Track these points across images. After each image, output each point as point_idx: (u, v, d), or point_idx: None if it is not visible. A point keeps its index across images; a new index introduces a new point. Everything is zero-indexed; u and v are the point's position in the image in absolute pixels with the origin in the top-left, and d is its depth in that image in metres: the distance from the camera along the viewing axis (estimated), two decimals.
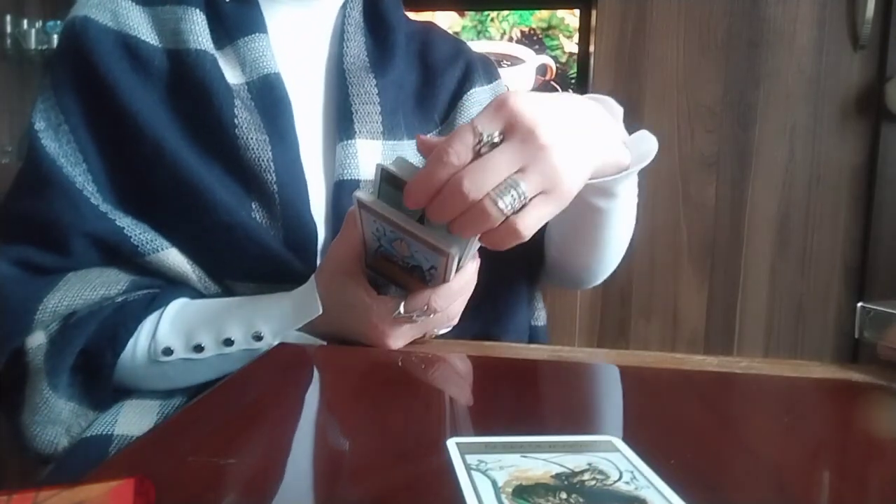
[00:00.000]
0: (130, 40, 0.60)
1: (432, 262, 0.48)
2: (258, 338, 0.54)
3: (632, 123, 0.54)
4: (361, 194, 0.46)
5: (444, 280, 0.50)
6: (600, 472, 0.29)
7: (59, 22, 2.10)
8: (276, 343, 0.54)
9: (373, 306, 0.52)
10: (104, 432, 0.54)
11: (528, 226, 0.41)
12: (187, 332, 0.55)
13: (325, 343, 0.54)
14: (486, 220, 0.40)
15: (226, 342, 0.54)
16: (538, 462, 0.29)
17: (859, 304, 0.54)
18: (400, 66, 0.70)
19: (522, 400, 0.42)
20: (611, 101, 0.53)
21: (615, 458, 0.30)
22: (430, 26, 0.79)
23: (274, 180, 0.59)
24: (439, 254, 0.46)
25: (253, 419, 0.37)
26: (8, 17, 2.08)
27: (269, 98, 0.62)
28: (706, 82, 1.86)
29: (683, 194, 1.89)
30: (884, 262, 1.79)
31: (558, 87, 2.08)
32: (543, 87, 2.09)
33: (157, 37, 0.62)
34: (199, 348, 0.55)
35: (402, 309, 0.51)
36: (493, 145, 0.40)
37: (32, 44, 2.08)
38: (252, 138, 0.59)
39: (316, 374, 0.49)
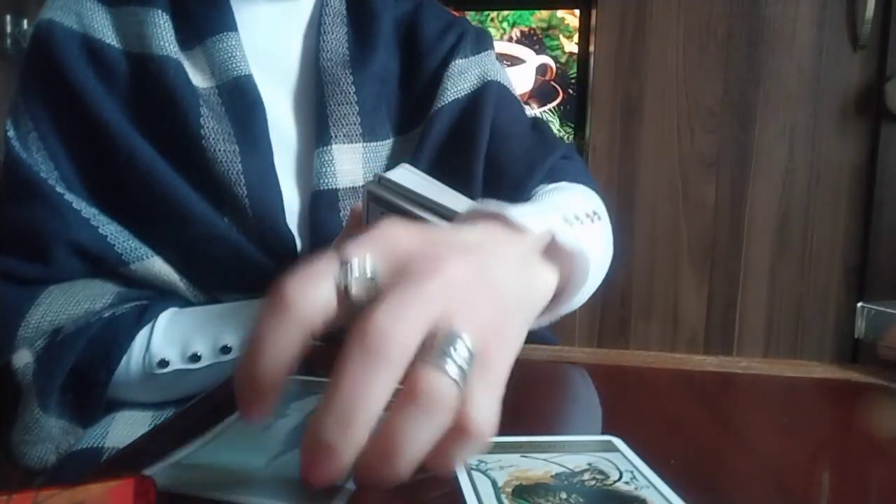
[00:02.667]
0: (95, 44, 0.58)
1: None
2: None
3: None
4: (371, 186, 0.45)
5: None
6: (600, 472, 0.29)
7: None
8: None
9: None
10: (95, 445, 0.53)
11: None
12: (182, 341, 0.54)
13: (321, 343, 0.54)
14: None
15: (223, 350, 0.53)
16: (538, 462, 0.29)
17: (859, 304, 0.54)
18: (381, 58, 0.65)
19: (522, 400, 0.42)
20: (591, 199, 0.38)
21: (615, 458, 0.30)
22: (421, 4, 0.72)
23: (245, 193, 0.56)
24: None
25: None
26: (8, 17, 2.08)
27: (241, 103, 0.58)
28: (706, 82, 1.86)
29: (683, 194, 1.89)
30: (884, 262, 1.79)
31: (558, 87, 2.08)
32: (543, 86, 2.09)
33: (120, 40, 0.59)
34: (195, 358, 0.53)
35: None
36: (369, 284, 0.26)
37: None
38: (220, 150, 0.56)
39: (320, 374, 0.49)
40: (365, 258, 0.26)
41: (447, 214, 0.43)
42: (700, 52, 1.85)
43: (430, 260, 0.27)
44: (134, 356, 0.54)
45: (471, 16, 2.11)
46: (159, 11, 0.59)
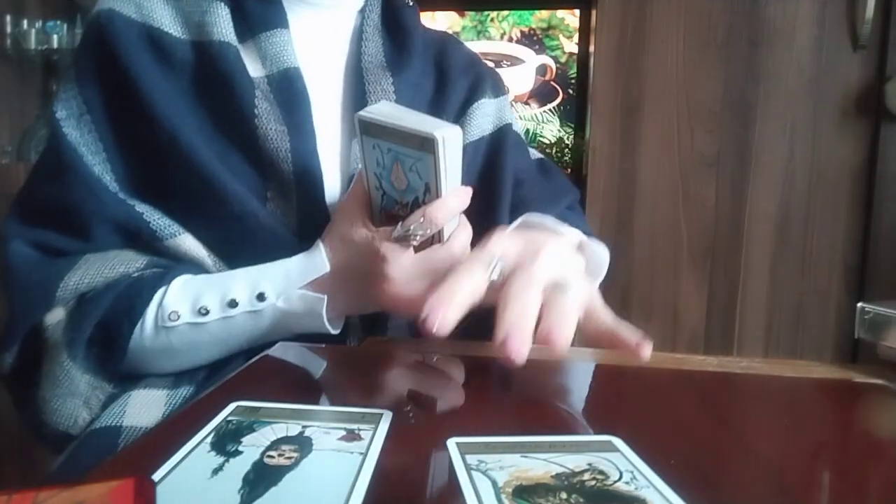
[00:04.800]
0: (154, 32, 0.62)
1: (425, 178, 0.51)
2: (261, 298, 0.55)
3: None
4: (361, 112, 0.51)
5: (438, 196, 0.52)
6: (600, 472, 0.29)
7: (58, 22, 2.10)
8: (280, 304, 0.55)
9: (374, 235, 0.54)
10: (113, 424, 0.54)
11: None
12: (194, 297, 0.57)
13: (324, 297, 0.55)
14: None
15: (230, 303, 0.56)
16: (538, 462, 0.29)
17: (859, 305, 0.54)
18: (417, 68, 0.72)
19: (522, 400, 0.42)
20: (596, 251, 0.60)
21: (615, 458, 0.30)
22: (446, 36, 0.82)
23: (291, 170, 0.60)
24: (426, 150, 0.49)
25: None
26: (8, 17, 2.08)
27: (289, 91, 0.63)
28: (706, 82, 1.86)
29: (683, 194, 1.89)
30: (884, 262, 1.79)
31: (558, 87, 2.08)
32: (543, 86, 2.09)
33: (181, 28, 0.63)
34: (204, 311, 0.56)
35: (399, 226, 0.52)
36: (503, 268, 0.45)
37: (32, 44, 2.08)
38: (271, 129, 0.60)
39: (317, 373, 0.49)
40: (499, 256, 0.45)
41: (422, 133, 0.49)
42: (700, 52, 1.85)
43: (534, 251, 0.45)
44: (149, 313, 0.57)
45: (471, 16, 2.11)
46: (221, 3, 0.64)
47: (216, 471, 0.28)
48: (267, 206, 0.61)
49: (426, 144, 0.48)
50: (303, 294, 0.55)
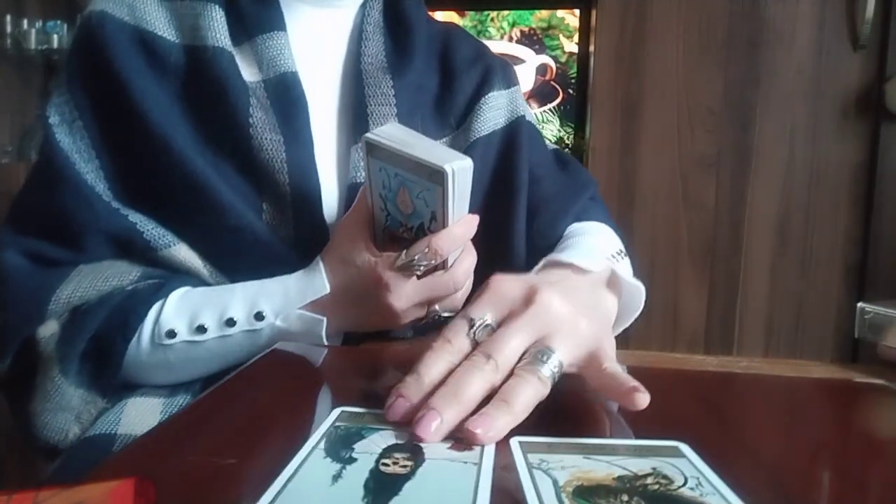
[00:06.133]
0: (147, 35, 0.60)
1: (431, 206, 0.50)
2: (260, 317, 0.54)
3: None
4: (368, 134, 0.50)
5: (444, 225, 0.51)
6: (664, 476, 0.28)
7: (59, 22, 2.10)
8: (278, 323, 0.55)
9: (377, 261, 0.53)
10: (108, 431, 0.54)
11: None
12: (191, 314, 0.56)
13: (323, 318, 0.54)
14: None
15: (228, 322, 0.55)
16: (600, 464, 0.29)
17: (859, 305, 0.54)
18: (419, 68, 0.69)
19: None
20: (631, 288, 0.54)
21: (681, 464, 0.30)
22: (452, 27, 0.78)
23: (287, 181, 0.59)
24: (435, 182, 0.48)
25: (254, 419, 0.37)
26: (8, 17, 2.08)
27: (286, 97, 0.61)
28: (706, 82, 1.86)
29: (683, 194, 1.89)
30: (884, 262, 1.79)
31: (558, 87, 2.08)
32: (543, 86, 2.09)
33: (174, 32, 0.62)
34: (201, 329, 0.55)
35: (403, 255, 0.51)
36: (489, 329, 0.37)
37: (32, 44, 2.08)
38: (266, 138, 0.59)
39: (318, 373, 0.49)
40: (485, 314, 0.38)
41: (432, 165, 0.48)
42: (700, 52, 1.85)
43: (527, 298, 0.38)
44: (145, 328, 0.56)
45: (471, 16, 2.11)
46: (216, 6, 0.62)
47: (335, 477, 0.28)
48: (262, 219, 0.59)
49: (435, 176, 0.48)
50: (301, 314, 0.55)
